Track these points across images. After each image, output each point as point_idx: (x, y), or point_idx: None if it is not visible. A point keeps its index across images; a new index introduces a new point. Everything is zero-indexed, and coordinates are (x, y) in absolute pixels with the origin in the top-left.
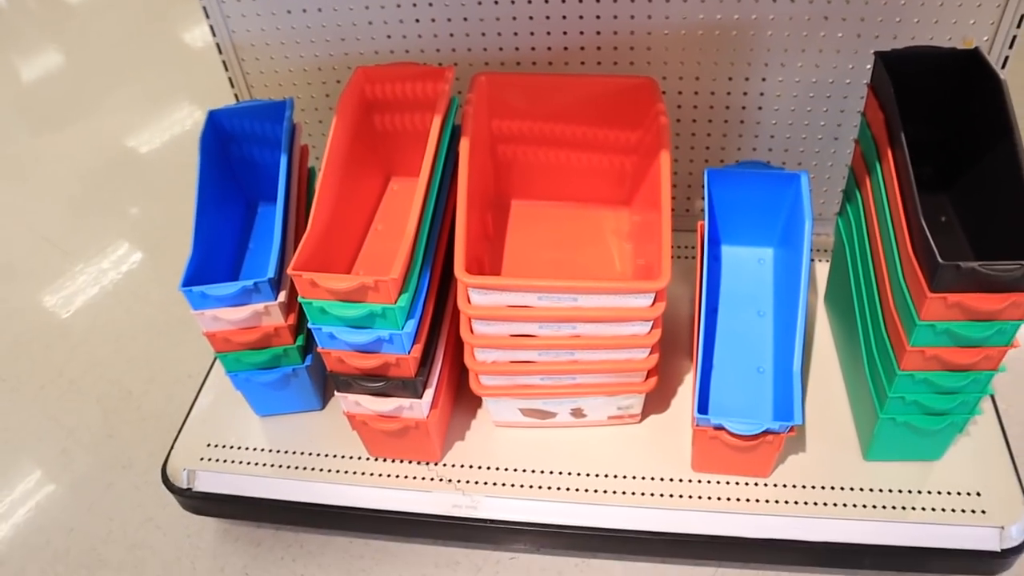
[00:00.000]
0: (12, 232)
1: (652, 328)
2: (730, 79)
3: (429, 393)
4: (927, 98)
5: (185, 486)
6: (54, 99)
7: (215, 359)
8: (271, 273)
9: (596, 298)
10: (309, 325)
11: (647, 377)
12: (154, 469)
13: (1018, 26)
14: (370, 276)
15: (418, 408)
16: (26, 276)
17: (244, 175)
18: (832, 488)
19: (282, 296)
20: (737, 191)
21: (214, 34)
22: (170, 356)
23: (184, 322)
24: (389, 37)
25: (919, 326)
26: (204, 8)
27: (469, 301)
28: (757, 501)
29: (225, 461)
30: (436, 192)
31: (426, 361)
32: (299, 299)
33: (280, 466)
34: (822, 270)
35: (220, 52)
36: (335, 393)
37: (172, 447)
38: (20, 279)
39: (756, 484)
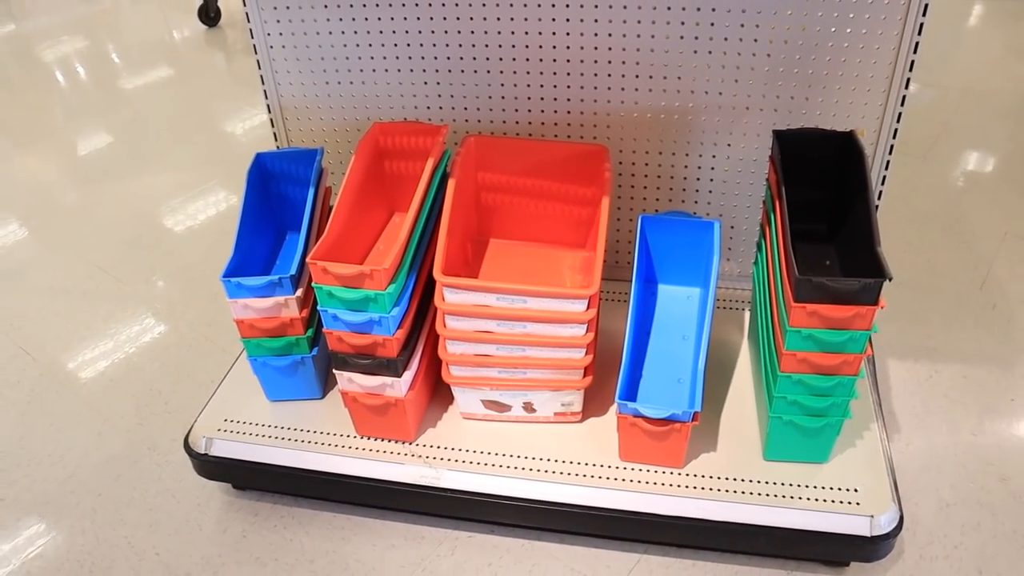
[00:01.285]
0: (71, 260)
1: (587, 331)
2: (673, 154)
3: (408, 375)
4: (815, 168)
5: (203, 451)
6: (108, 164)
7: (235, 360)
8: (293, 271)
9: (541, 301)
10: (318, 307)
11: (584, 375)
12: (175, 451)
13: (897, 121)
14: (368, 266)
15: (398, 387)
16: (80, 296)
17: (278, 206)
18: (735, 479)
19: (299, 292)
20: (665, 235)
21: (266, 96)
22: (197, 365)
23: (210, 339)
24: (404, 108)
25: (790, 332)
26: (261, 76)
27: (444, 299)
28: (672, 486)
29: (237, 433)
30: (426, 216)
31: (408, 346)
32: (312, 284)
33: (282, 439)
34: (748, 316)
35: (269, 111)
36: (333, 370)
37: (195, 421)
38: (75, 298)
39: (672, 473)
